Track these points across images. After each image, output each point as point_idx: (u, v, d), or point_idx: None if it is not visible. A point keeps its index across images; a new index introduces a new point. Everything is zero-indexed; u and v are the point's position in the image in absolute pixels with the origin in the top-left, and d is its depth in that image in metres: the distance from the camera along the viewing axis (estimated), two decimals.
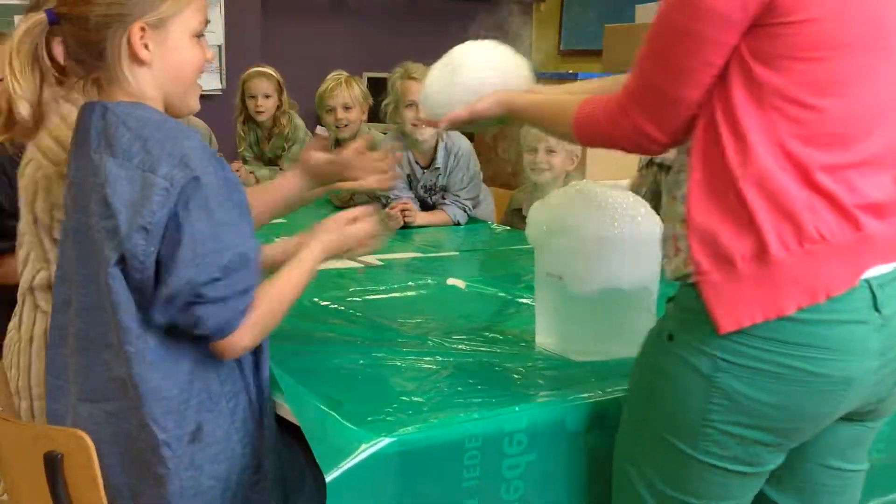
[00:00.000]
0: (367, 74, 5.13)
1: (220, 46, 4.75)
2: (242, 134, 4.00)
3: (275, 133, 3.93)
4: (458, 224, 3.16)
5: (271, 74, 3.87)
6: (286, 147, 3.95)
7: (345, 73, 3.51)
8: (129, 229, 1.30)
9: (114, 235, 1.31)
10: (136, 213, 1.29)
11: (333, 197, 3.48)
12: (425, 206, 3.22)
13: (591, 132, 1.40)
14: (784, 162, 1.22)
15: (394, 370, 1.65)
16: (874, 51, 1.24)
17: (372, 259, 2.55)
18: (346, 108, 3.44)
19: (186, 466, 1.37)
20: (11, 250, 2.17)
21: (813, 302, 1.22)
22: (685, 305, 1.31)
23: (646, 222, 1.71)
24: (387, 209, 3.11)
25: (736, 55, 1.24)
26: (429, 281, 2.33)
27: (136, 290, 1.33)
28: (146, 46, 1.37)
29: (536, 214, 1.77)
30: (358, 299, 2.13)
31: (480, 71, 1.66)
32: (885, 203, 1.28)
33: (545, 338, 1.80)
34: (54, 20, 1.36)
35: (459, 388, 1.56)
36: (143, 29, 1.36)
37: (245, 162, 3.98)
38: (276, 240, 1.82)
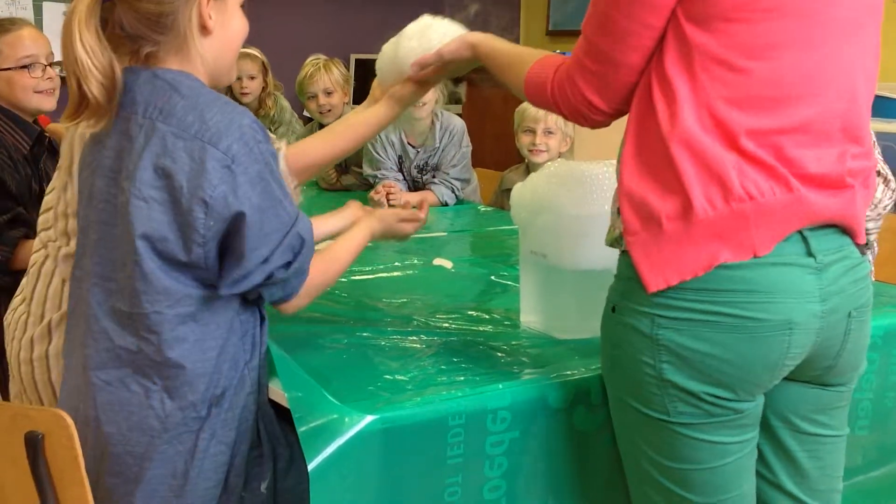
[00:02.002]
0: (354, 56, 5.11)
1: None
2: None
3: (260, 115, 3.91)
4: (446, 204, 3.15)
5: (256, 56, 3.85)
6: (272, 129, 3.93)
7: (323, 57, 3.48)
8: (189, 202, 1.29)
9: (166, 205, 1.30)
10: (197, 186, 1.29)
11: (321, 179, 3.47)
12: (417, 187, 3.22)
13: (538, 93, 1.43)
14: (710, 124, 1.23)
15: (378, 349, 1.65)
16: (807, 16, 1.24)
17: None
18: (328, 93, 3.42)
19: (203, 430, 1.38)
20: (26, 237, 2.18)
21: (738, 259, 1.23)
22: (622, 274, 1.35)
23: None
24: (371, 193, 3.10)
25: (672, 18, 1.25)
26: (415, 261, 2.33)
27: (169, 259, 1.33)
28: (210, 17, 1.39)
29: (520, 194, 1.77)
30: (343, 279, 2.12)
31: (427, 41, 1.77)
32: (824, 176, 1.27)
33: (529, 316, 1.80)
34: None
35: (443, 367, 1.56)
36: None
37: None
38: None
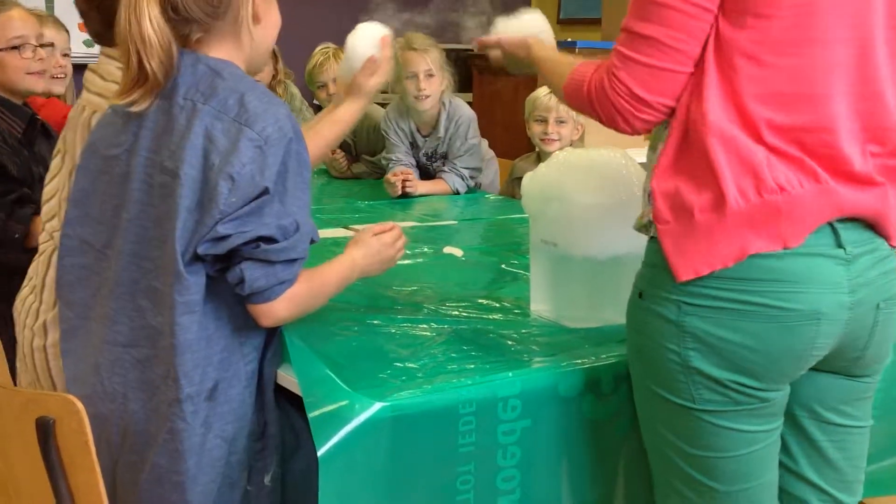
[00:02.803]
0: None
1: None
2: None
3: None
4: (458, 193, 3.14)
5: None
6: None
7: (332, 46, 3.47)
8: (217, 176, 1.32)
9: (197, 182, 1.33)
10: (226, 163, 1.32)
11: (331, 167, 3.47)
12: (427, 174, 3.21)
13: (576, 95, 1.38)
14: (738, 118, 1.24)
15: (389, 337, 1.65)
16: (836, 14, 1.24)
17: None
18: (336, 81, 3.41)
19: (201, 423, 1.38)
20: (36, 214, 2.17)
21: (769, 250, 1.23)
22: (650, 261, 1.34)
23: (640, 188, 1.69)
24: (386, 175, 3.09)
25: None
26: (426, 249, 2.32)
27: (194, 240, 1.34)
28: (260, 6, 1.45)
29: (530, 182, 1.76)
30: None
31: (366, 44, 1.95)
32: (850, 173, 1.27)
33: (540, 305, 1.79)
34: None
35: (453, 355, 1.56)
36: None
37: None
38: None
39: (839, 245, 1.26)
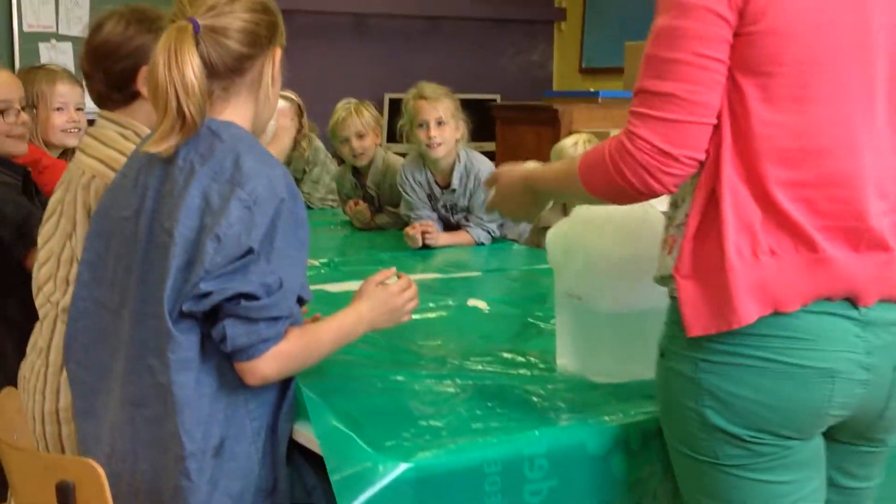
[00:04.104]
0: (388, 95, 5.14)
1: None
2: None
3: (295, 156, 3.93)
4: (482, 244, 3.13)
5: (292, 98, 3.87)
6: (307, 170, 3.95)
7: (354, 101, 3.49)
8: (204, 235, 1.33)
9: (190, 242, 1.35)
10: (215, 223, 1.33)
11: (354, 219, 3.47)
12: (447, 226, 3.20)
13: (594, 172, 1.30)
14: (745, 175, 1.24)
15: (412, 393, 1.63)
16: (842, 71, 1.24)
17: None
18: (360, 136, 3.42)
19: (206, 480, 1.37)
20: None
21: (762, 314, 1.22)
22: (670, 318, 1.34)
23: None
24: (406, 229, 3.09)
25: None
26: (449, 302, 2.30)
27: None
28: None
29: (554, 236, 1.74)
30: None
31: None
32: (855, 230, 1.25)
33: (566, 359, 1.76)
34: (198, 31, 1.38)
35: (478, 412, 1.53)
36: (280, 50, 1.50)
37: None
38: None
39: (854, 305, 1.25)
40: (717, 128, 1.25)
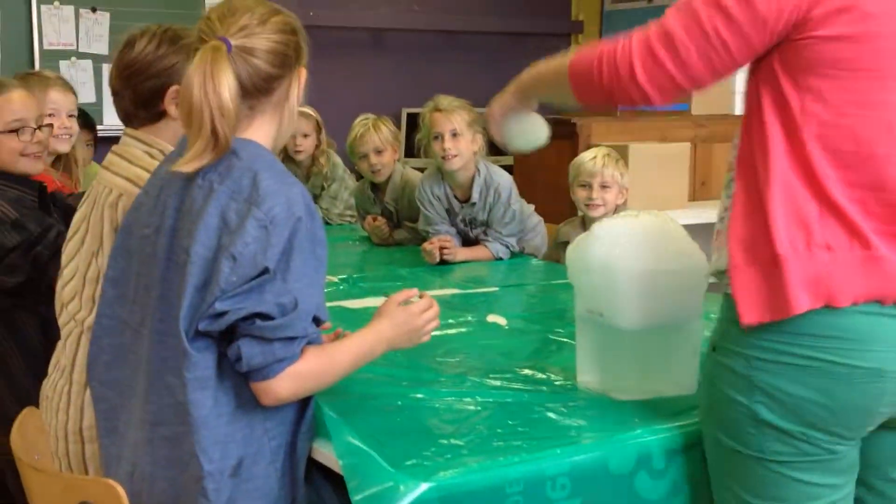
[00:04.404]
0: (406, 110, 5.14)
1: None
2: None
3: (313, 172, 3.93)
4: (501, 259, 3.11)
5: (309, 114, 3.88)
6: (325, 186, 3.95)
7: (371, 116, 3.48)
8: (220, 253, 1.33)
9: (207, 261, 1.34)
10: (231, 242, 1.33)
11: (373, 234, 3.47)
12: (466, 240, 3.19)
13: (584, 71, 1.40)
14: (800, 171, 1.28)
15: (432, 411, 1.62)
16: None
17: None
18: (378, 152, 3.41)
19: (224, 501, 1.37)
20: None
21: (814, 307, 1.26)
22: (723, 315, 1.39)
23: (688, 255, 1.66)
24: (424, 244, 3.08)
25: (767, 69, 1.31)
26: (469, 318, 2.29)
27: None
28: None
29: (573, 253, 1.73)
30: None
31: None
32: None
33: (587, 376, 1.75)
34: (230, 50, 1.38)
35: (499, 430, 1.52)
36: (305, 71, 1.51)
37: None
38: None
39: None
40: (761, 129, 1.31)
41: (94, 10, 4.48)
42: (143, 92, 1.72)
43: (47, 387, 1.75)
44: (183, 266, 1.37)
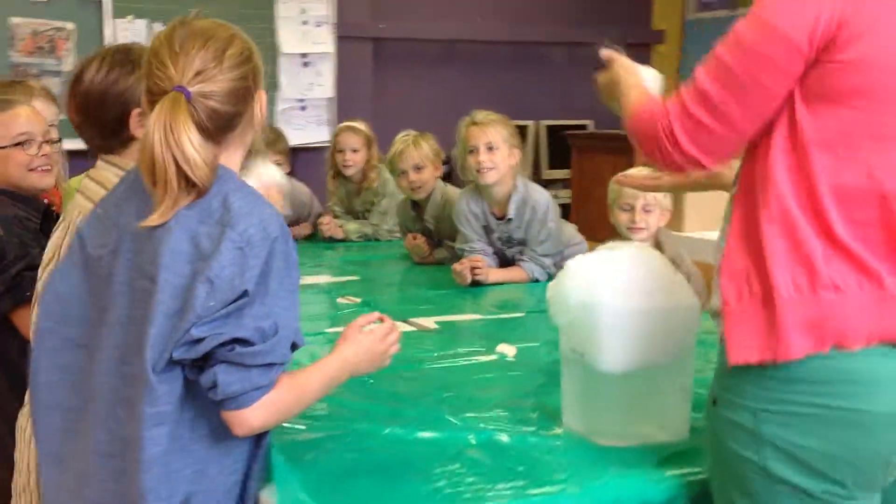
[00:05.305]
0: None
1: (329, 99, 4.81)
2: (332, 188, 3.99)
3: (363, 187, 3.90)
4: (537, 281, 3.01)
5: (360, 129, 3.85)
6: (375, 201, 3.92)
7: (413, 133, 3.43)
8: (194, 280, 1.29)
9: (179, 289, 1.30)
10: (206, 265, 1.29)
11: (413, 253, 3.41)
12: (504, 259, 3.10)
13: (637, 124, 1.37)
14: (808, 206, 1.22)
15: (394, 453, 1.55)
16: None
17: (428, 322, 2.44)
18: (418, 168, 3.36)
19: None
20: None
21: (818, 350, 1.19)
22: (721, 364, 1.30)
23: (673, 291, 1.54)
24: (454, 264, 3.00)
25: (788, 96, 1.24)
26: (477, 347, 2.19)
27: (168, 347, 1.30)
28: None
29: (554, 287, 1.62)
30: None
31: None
32: None
33: (571, 419, 1.64)
34: (189, 98, 1.35)
35: (469, 479, 1.44)
36: (264, 93, 1.48)
37: (335, 216, 3.97)
38: None
39: None
40: (765, 156, 1.26)
41: (165, 24, 4.56)
42: (105, 122, 1.69)
43: (21, 419, 1.74)
44: (148, 294, 1.32)
